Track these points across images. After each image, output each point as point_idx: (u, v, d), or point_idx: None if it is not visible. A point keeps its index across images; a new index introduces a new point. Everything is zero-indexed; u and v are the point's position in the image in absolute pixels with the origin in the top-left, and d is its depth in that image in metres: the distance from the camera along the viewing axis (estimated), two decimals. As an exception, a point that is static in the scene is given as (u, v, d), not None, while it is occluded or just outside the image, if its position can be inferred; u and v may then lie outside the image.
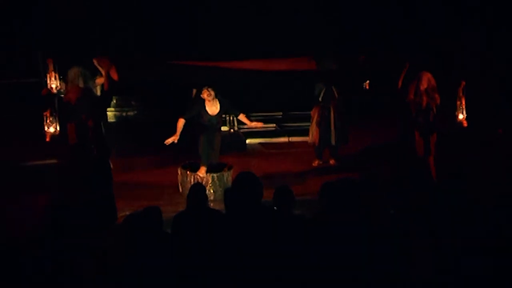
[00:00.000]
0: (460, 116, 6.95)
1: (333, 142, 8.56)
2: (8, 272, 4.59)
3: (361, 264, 4.07)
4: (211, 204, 6.56)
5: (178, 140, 7.12)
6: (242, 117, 7.55)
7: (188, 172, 7.27)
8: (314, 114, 8.63)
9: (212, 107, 7.29)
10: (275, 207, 4.50)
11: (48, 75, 6.28)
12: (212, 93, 7.19)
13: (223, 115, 8.08)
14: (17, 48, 7.93)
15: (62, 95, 6.40)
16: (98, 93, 7.22)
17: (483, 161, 7.52)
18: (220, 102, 7.31)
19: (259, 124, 7.66)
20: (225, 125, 10.91)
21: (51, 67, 6.29)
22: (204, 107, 7.27)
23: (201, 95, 7.26)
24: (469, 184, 5.81)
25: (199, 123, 7.33)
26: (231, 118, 11.07)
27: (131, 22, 10.68)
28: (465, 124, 6.93)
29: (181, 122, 7.15)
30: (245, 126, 11.09)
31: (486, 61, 8.72)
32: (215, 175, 7.26)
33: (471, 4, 8.85)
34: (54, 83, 6.12)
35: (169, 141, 7.09)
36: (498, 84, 8.66)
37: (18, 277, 4.56)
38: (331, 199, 4.44)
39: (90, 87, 6.27)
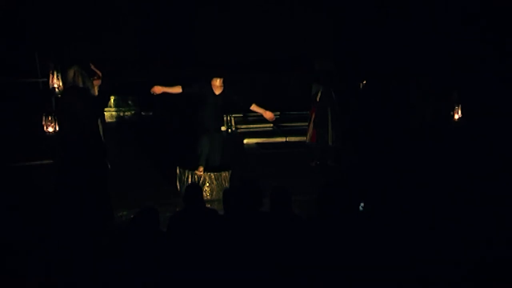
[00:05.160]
0: (456, 116, 7.13)
1: (330, 142, 8.59)
2: (6, 270, 4.61)
3: (359, 263, 4.09)
4: (208, 204, 6.58)
5: (177, 140, 7.13)
6: (254, 107, 7.36)
7: (186, 170, 7.29)
8: (312, 114, 8.66)
9: (217, 89, 7.28)
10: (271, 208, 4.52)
11: (49, 75, 6.29)
12: (220, 80, 7.24)
13: (225, 113, 8.05)
14: (17, 48, 7.95)
15: (60, 95, 6.41)
16: (96, 93, 7.23)
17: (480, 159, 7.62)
18: (224, 87, 7.34)
19: (271, 115, 7.31)
20: (223, 125, 10.98)
21: (52, 67, 6.29)
22: (210, 85, 7.26)
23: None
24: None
25: (200, 116, 7.34)
26: (229, 118, 11.12)
27: (132, 23, 10.73)
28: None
29: (176, 88, 7.16)
30: (243, 127, 11.19)
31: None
32: (212, 174, 7.28)
33: (469, 12, 8.95)
34: (55, 83, 6.12)
35: (154, 89, 7.06)
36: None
37: (14, 276, 4.57)
38: (328, 200, 4.46)
39: (88, 87, 6.28)
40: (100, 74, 6.64)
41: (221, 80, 7.27)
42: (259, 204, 4.52)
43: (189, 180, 7.16)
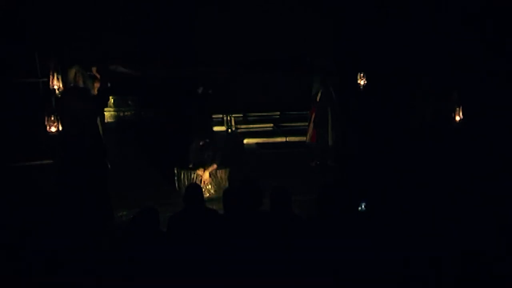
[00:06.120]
0: (457, 118, 7.17)
1: (330, 142, 8.59)
2: (6, 270, 4.61)
3: (359, 263, 4.09)
4: (208, 203, 6.57)
5: (177, 140, 7.19)
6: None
7: (184, 170, 7.30)
8: (312, 114, 8.66)
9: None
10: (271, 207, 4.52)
11: (50, 75, 6.28)
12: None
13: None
14: (17, 48, 7.94)
15: (60, 95, 6.40)
16: (96, 93, 7.23)
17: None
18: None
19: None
20: (223, 125, 10.99)
21: (52, 67, 6.28)
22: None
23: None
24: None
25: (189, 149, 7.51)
26: (229, 118, 11.12)
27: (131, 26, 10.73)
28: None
29: None
30: (243, 127, 11.19)
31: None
32: (211, 171, 7.30)
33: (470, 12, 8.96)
34: (56, 84, 6.10)
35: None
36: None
37: (14, 276, 4.57)
38: (328, 200, 4.47)
39: (88, 87, 6.28)
40: (99, 77, 6.63)
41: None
42: (259, 204, 4.52)
43: (187, 179, 7.17)
